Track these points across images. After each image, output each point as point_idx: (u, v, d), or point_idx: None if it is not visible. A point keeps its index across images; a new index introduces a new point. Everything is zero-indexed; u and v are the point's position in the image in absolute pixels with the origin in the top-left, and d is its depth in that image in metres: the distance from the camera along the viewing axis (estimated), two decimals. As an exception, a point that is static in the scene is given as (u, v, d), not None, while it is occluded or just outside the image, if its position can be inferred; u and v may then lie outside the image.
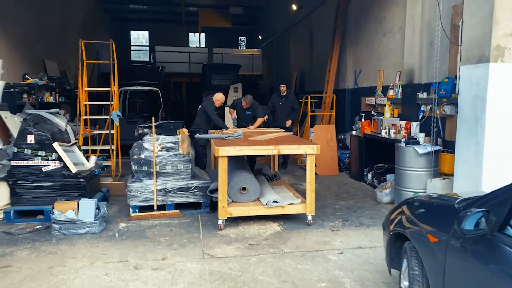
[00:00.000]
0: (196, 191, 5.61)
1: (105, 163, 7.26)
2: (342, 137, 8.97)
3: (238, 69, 16.78)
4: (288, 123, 8.60)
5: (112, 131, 6.92)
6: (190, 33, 24.67)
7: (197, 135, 6.48)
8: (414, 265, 2.67)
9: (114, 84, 7.04)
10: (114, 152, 6.91)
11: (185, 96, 20.22)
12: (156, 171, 5.49)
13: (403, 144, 5.79)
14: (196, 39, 24.39)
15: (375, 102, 8.11)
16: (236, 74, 16.43)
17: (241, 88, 13.03)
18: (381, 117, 7.09)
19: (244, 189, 5.22)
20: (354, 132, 7.98)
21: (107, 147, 7.07)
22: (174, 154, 5.60)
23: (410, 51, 6.85)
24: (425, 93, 6.48)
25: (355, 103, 9.57)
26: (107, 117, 7.16)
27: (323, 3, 11.50)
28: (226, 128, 6.67)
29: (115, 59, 7.10)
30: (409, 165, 5.72)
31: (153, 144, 5.51)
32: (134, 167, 5.59)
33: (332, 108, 9.82)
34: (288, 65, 16.17)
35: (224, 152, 4.78)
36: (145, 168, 5.53)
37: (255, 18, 22.37)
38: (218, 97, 7.13)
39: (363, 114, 7.99)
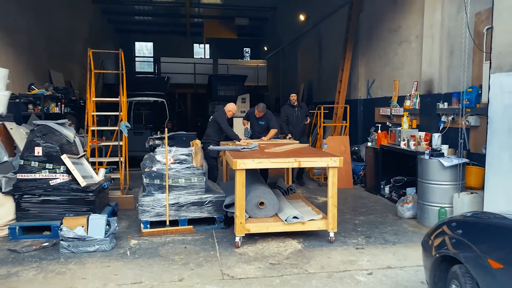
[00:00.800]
0: (210, 206, 5.34)
1: (113, 175, 7.00)
2: (356, 148, 8.71)
3: (244, 80, 16.63)
4: (307, 120, 8.42)
5: (120, 143, 6.68)
6: (194, 44, 24.58)
7: (211, 147, 6.23)
8: (470, 293, 2.40)
9: (122, 95, 6.82)
10: (123, 164, 6.66)
11: (190, 107, 20.04)
12: (168, 185, 5.23)
13: (427, 157, 5.52)
14: (201, 50, 24.30)
15: (390, 113, 7.88)
16: (242, 85, 16.26)
17: (249, 99, 12.85)
18: (399, 128, 6.83)
19: (261, 203, 4.95)
20: (369, 144, 7.71)
21: (114, 159, 6.83)
22: (187, 167, 5.35)
23: (428, 61, 6.63)
24: (445, 103, 6.26)
25: (367, 114, 9.34)
26: (115, 128, 6.92)
27: (333, 13, 11.34)
28: (239, 139, 6.44)
29: (124, 69, 6.89)
30: (433, 179, 5.44)
31: (165, 156, 5.26)
32: (145, 180, 5.34)
33: (344, 119, 9.58)
34: (295, 76, 15.98)
35: (242, 165, 4.53)
36: (157, 181, 5.28)
37: (261, 29, 22.29)
38: (230, 108, 6.92)
39: (379, 125, 7.74)
